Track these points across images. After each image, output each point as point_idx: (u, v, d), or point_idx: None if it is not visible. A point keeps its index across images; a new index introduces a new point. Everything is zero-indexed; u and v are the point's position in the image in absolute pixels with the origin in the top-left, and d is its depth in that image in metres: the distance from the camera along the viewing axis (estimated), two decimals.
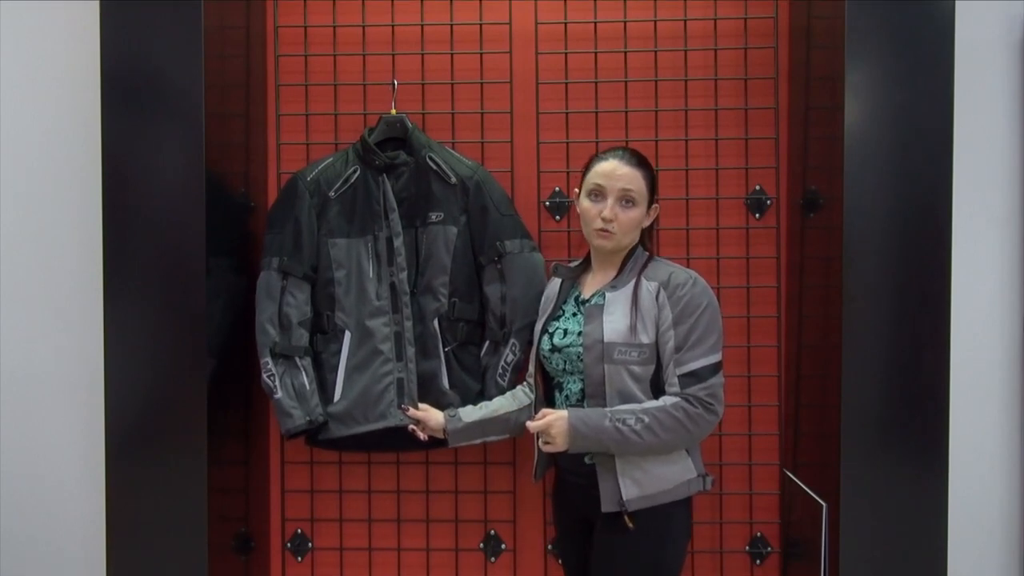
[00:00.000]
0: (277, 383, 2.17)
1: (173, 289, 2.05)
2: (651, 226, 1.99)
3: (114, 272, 2.06)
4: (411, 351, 2.20)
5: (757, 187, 2.34)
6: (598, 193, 1.90)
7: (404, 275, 2.20)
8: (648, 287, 1.86)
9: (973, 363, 2.28)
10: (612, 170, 1.88)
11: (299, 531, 2.42)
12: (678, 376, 1.82)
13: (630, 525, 1.82)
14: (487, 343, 2.24)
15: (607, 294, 1.89)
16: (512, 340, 2.19)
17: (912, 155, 2.02)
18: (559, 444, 1.81)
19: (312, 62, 2.36)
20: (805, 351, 2.23)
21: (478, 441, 2.09)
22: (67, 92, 2.33)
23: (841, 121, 2.00)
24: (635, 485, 1.82)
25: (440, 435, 2.05)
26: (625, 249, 1.93)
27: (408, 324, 2.20)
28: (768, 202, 2.33)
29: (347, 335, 2.22)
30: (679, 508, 1.88)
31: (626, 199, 1.88)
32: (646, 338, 1.83)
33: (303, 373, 2.20)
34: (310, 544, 2.41)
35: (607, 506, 1.84)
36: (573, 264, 2.03)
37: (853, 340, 2.01)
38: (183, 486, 2.04)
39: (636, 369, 1.83)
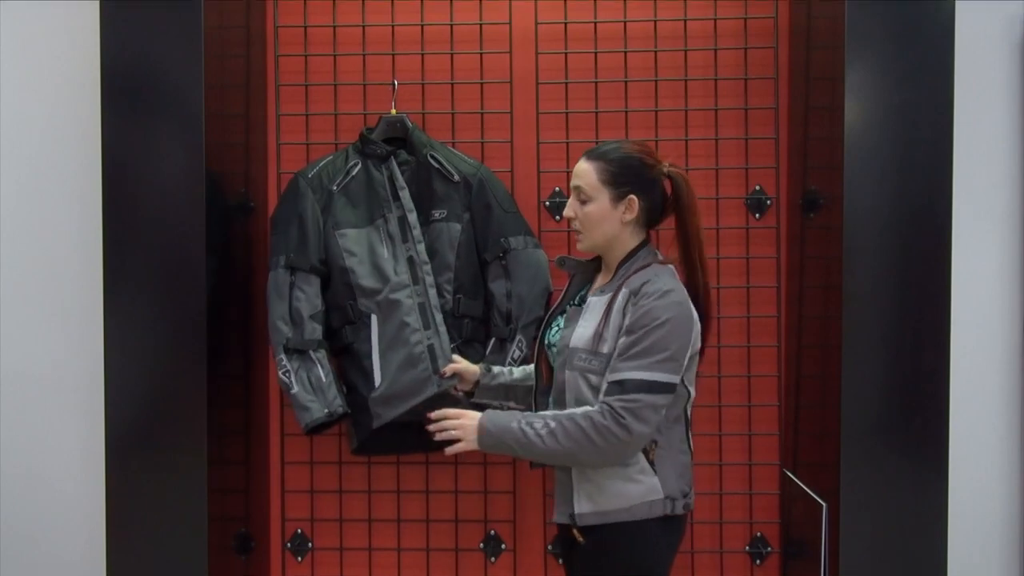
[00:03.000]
0: (293, 378, 2.16)
1: (173, 289, 2.05)
2: (639, 221, 1.79)
3: (114, 272, 2.06)
4: (439, 317, 2.16)
5: (757, 187, 2.34)
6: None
7: (421, 247, 2.18)
8: (623, 295, 1.74)
9: (973, 363, 2.28)
10: (575, 168, 1.81)
11: (299, 531, 2.42)
12: (607, 383, 1.69)
13: (580, 539, 1.76)
14: (492, 341, 2.24)
15: (591, 298, 1.82)
16: (519, 337, 2.19)
17: (912, 155, 2.02)
18: (468, 438, 1.74)
19: (312, 62, 2.36)
20: (805, 351, 2.23)
21: (497, 404, 2.06)
22: (67, 92, 2.33)
23: (841, 121, 2.00)
24: (588, 500, 1.74)
25: (471, 388, 2.06)
26: (610, 249, 1.81)
27: (432, 292, 2.17)
28: (768, 202, 2.33)
29: (373, 318, 2.18)
30: (651, 528, 1.74)
31: (579, 195, 1.79)
32: (606, 348, 1.72)
33: (318, 366, 2.18)
34: (310, 544, 2.41)
35: (559, 517, 1.79)
36: (585, 259, 1.93)
37: (853, 340, 2.01)
38: (183, 486, 2.04)
39: (593, 378, 1.73)
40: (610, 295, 1.77)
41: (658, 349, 1.67)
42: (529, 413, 1.75)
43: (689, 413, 1.82)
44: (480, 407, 1.96)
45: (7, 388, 2.38)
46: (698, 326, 1.75)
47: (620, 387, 1.67)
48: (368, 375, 2.18)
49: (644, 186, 1.78)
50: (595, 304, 1.80)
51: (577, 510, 1.76)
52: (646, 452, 1.74)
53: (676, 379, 1.69)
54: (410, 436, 2.19)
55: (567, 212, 1.82)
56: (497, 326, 2.23)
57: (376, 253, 2.20)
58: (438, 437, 1.78)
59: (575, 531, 1.77)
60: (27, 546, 2.38)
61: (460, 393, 2.09)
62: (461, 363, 2.08)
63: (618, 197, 1.77)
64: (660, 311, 1.68)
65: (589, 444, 1.67)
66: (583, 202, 1.79)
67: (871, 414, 2.02)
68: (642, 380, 1.66)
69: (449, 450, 1.77)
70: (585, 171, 1.78)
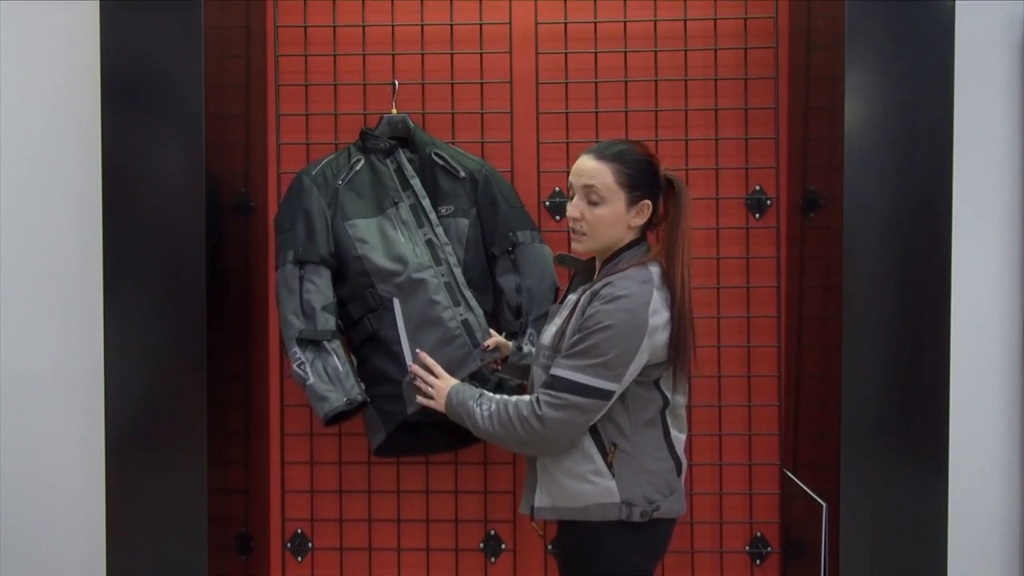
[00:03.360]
0: (308, 369, 2.12)
1: (173, 289, 2.05)
2: (650, 224, 1.79)
3: (114, 272, 2.06)
4: (468, 292, 2.14)
5: (757, 187, 2.34)
6: (571, 191, 1.78)
7: (440, 230, 2.18)
8: (587, 296, 1.72)
9: (973, 363, 2.28)
10: (579, 166, 1.75)
11: (299, 531, 2.42)
12: (548, 375, 1.71)
13: (539, 532, 1.88)
14: (503, 335, 2.23)
15: (568, 296, 1.83)
16: (529, 330, 2.19)
17: (912, 155, 2.02)
18: (439, 400, 1.86)
19: (312, 62, 2.36)
20: (805, 351, 2.23)
21: (517, 382, 2.10)
22: (67, 92, 2.33)
23: (841, 121, 2.00)
24: (547, 494, 1.76)
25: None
26: (607, 251, 1.78)
27: (458, 271, 2.15)
28: (768, 202, 2.34)
29: (395, 302, 2.14)
30: (609, 531, 1.71)
31: (589, 196, 1.73)
32: (564, 346, 1.72)
33: (334, 356, 2.14)
34: (310, 544, 2.41)
35: (522, 508, 1.83)
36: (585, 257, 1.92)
37: (853, 340, 2.01)
38: (183, 486, 2.05)
39: None
40: (580, 295, 1.76)
41: (594, 353, 1.65)
42: (492, 394, 1.80)
43: (669, 420, 1.78)
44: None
45: (7, 388, 2.38)
46: (661, 335, 1.69)
47: (552, 382, 1.69)
48: (398, 360, 2.12)
49: (655, 190, 1.77)
50: (568, 303, 1.81)
51: (536, 503, 1.79)
52: (604, 454, 1.72)
53: (610, 386, 1.66)
54: (432, 435, 2.18)
55: (572, 212, 1.76)
56: (507, 320, 2.23)
57: (390, 239, 2.17)
58: (417, 383, 1.93)
59: (533, 523, 1.84)
60: (27, 546, 2.38)
61: (498, 367, 2.10)
62: (498, 337, 2.09)
63: (633, 201, 1.74)
64: (604, 316, 1.66)
65: (513, 431, 1.72)
66: (594, 203, 1.73)
67: (871, 414, 2.02)
68: (571, 380, 1.67)
69: (420, 399, 1.93)
70: (600, 171, 1.72)
